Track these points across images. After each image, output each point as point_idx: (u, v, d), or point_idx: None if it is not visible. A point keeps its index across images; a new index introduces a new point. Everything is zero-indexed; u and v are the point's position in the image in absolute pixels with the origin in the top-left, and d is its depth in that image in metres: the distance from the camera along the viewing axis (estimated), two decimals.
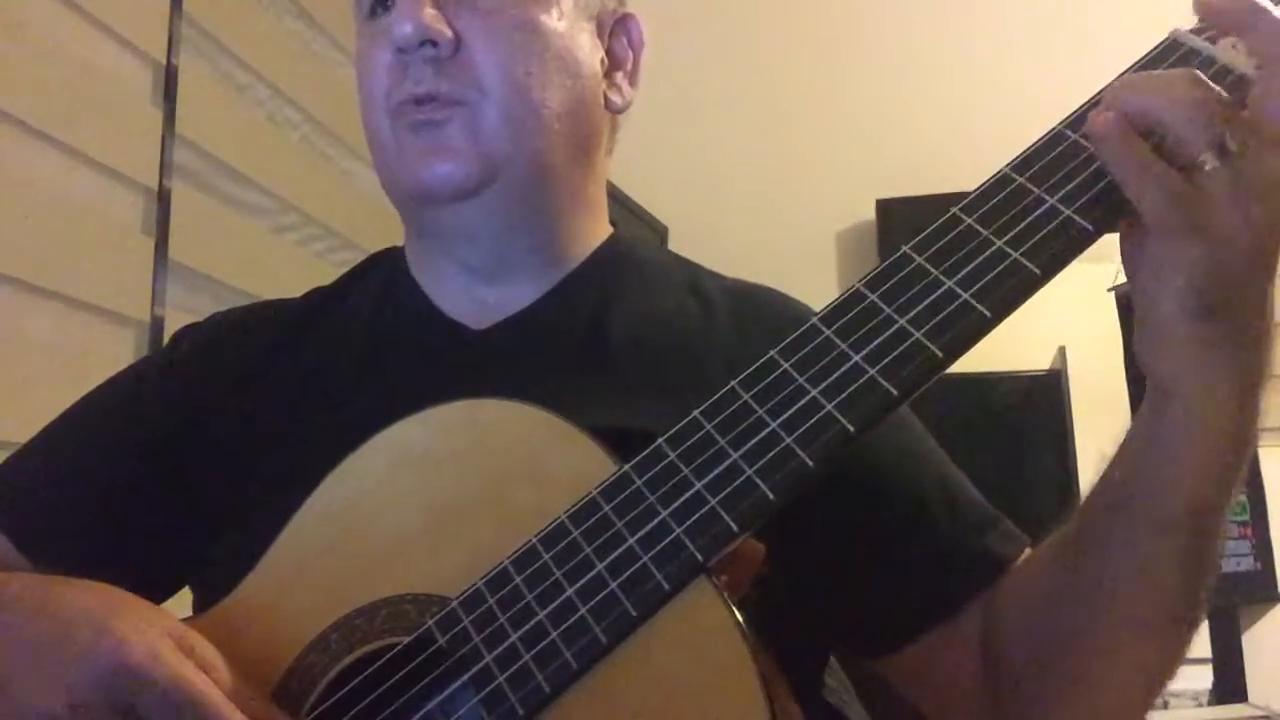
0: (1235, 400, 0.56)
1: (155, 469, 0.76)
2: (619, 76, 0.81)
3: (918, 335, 0.55)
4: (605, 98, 0.79)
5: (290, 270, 1.75)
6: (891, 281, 0.57)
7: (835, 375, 0.55)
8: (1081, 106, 0.59)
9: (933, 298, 0.55)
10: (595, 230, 0.82)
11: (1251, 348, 0.56)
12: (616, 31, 0.82)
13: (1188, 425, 0.56)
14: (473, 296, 0.78)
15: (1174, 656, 0.63)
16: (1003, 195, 0.57)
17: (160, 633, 0.54)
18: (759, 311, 0.79)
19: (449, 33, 0.71)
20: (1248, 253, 0.53)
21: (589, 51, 0.78)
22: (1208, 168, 0.52)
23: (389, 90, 0.74)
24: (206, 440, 0.76)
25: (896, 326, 0.55)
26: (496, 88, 0.72)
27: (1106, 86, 0.58)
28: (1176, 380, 0.56)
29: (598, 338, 0.76)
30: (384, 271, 0.85)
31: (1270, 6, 0.55)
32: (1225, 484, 0.58)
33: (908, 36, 2.69)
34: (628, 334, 0.76)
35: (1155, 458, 0.58)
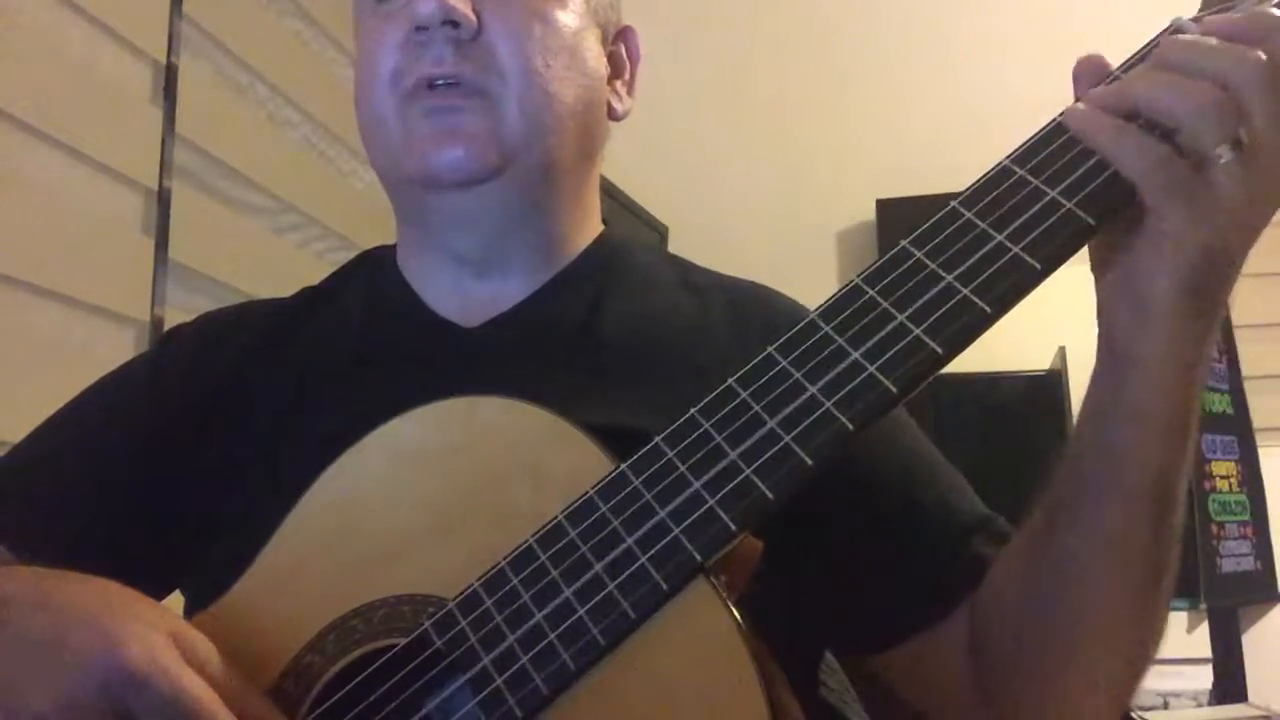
0: (1194, 368, 0.57)
1: (147, 470, 0.76)
2: (619, 85, 0.82)
3: (917, 331, 0.54)
4: (608, 103, 0.80)
5: (290, 270, 1.75)
6: (890, 277, 0.56)
7: (834, 372, 0.55)
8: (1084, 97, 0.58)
9: (932, 293, 0.55)
10: (588, 230, 0.82)
11: (1215, 320, 0.57)
12: (617, 41, 0.83)
13: (1151, 394, 0.57)
14: (462, 292, 0.78)
15: (1152, 626, 0.64)
16: (1003, 188, 0.56)
17: (160, 634, 0.53)
18: (753, 307, 0.79)
19: (473, 16, 0.71)
20: (1244, 237, 0.55)
21: (596, 55, 0.78)
22: (1223, 161, 0.52)
23: (400, 69, 0.73)
24: (198, 441, 0.76)
25: (895, 322, 0.55)
26: (516, 78, 0.72)
27: (1116, 71, 0.59)
28: (1145, 350, 0.57)
29: (590, 334, 0.75)
30: (373, 270, 0.84)
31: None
32: (1185, 444, 0.59)
33: (907, 37, 2.69)
34: (620, 330, 0.76)
35: (1120, 427, 0.58)
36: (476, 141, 0.71)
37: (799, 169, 2.68)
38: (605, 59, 0.80)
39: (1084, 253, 0.57)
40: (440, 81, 0.72)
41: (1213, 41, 0.54)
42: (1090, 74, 0.59)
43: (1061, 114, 0.57)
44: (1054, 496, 0.63)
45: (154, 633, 0.53)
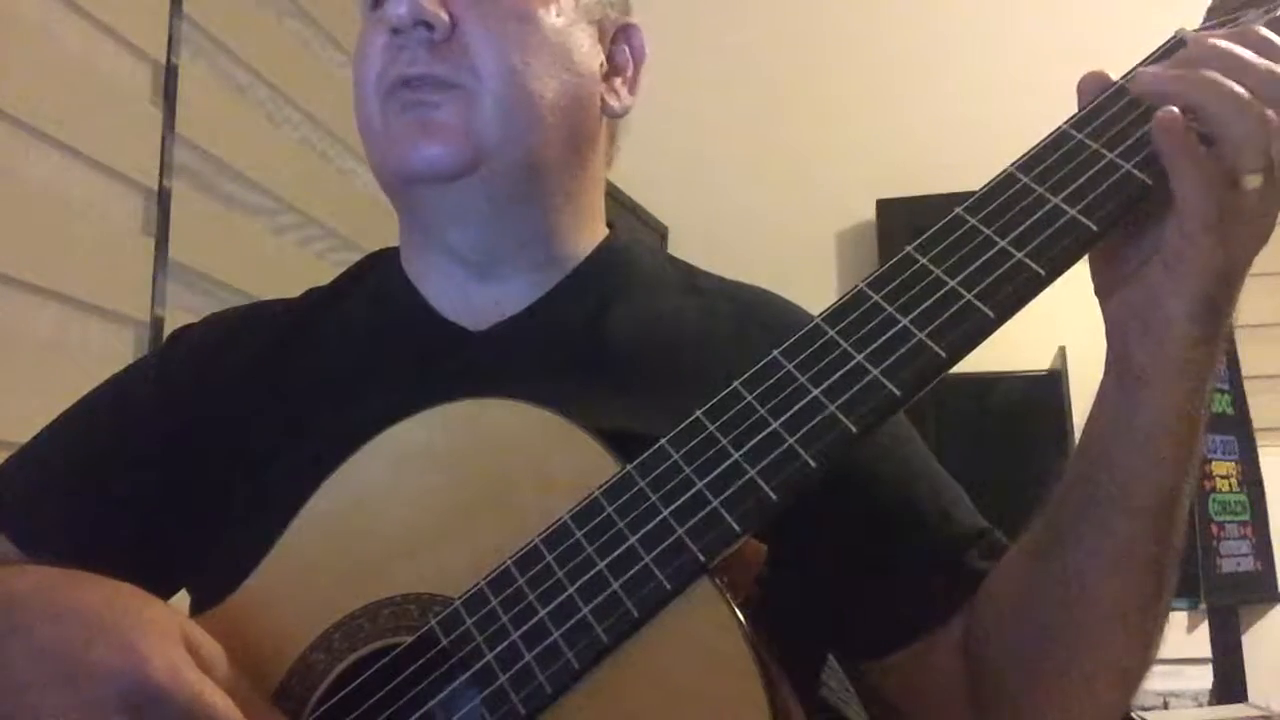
0: (1203, 385, 0.58)
1: (154, 472, 0.76)
2: (618, 82, 0.81)
3: (921, 336, 0.54)
4: (602, 100, 0.79)
5: (290, 270, 1.75)
6: (895, 282, 0.57)
7: (838, 376, 0.55)
8: (1088, 107, 0.59)
9: (936, 298, 0.55)
10: (591, 234, 0.82)
11: (1223, 334, 0.58)
12: (618, 39, 0.82)
13: (1162, 415, 0.58)
14: (468, 296, 0.78)
15: (1149, 644, 0.64)
16: (1007, 195, 0.57)
17: (176, 642, 0.53)
18: (758, 313, 0.79)
19: (445, 16, 0.72)
20: (1253, 254, 0.56)
21: (587, 52, 0.78)
22: (1250, 186, 0.53)
23: (382, 72, 0.74)
24: (206, 443, 0.76)
25: (899, 327, 0.55)
26: (492, 75, 0.72)
27: (1121, 81, 0.59)
28: (1157, 372, 0.57)
29: (596, 339, 0.76)
30: (379, 273, 0.84)
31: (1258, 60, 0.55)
32: (1191, 465, 0.60)
33: (908, 37, 2.69)
34: (626, 335, 0.76)
35: (1131, 447, 0.59)
36: (450, 136, 0.72)
37: (799, 169, 2.68)
38: (602, 56, 0.80)
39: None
40: (415, 81, 0.72)
41: (1252, 55, 0.54)
42: (1094, 89, 0.59)
43: (1153, 119, 0.56)
44: (1058, 512, 0.63)
45: (172, 643, 0.53)
